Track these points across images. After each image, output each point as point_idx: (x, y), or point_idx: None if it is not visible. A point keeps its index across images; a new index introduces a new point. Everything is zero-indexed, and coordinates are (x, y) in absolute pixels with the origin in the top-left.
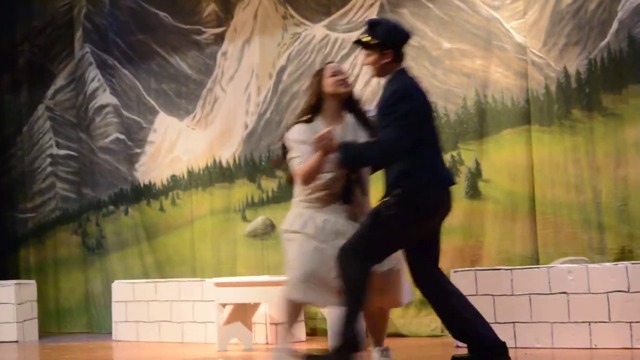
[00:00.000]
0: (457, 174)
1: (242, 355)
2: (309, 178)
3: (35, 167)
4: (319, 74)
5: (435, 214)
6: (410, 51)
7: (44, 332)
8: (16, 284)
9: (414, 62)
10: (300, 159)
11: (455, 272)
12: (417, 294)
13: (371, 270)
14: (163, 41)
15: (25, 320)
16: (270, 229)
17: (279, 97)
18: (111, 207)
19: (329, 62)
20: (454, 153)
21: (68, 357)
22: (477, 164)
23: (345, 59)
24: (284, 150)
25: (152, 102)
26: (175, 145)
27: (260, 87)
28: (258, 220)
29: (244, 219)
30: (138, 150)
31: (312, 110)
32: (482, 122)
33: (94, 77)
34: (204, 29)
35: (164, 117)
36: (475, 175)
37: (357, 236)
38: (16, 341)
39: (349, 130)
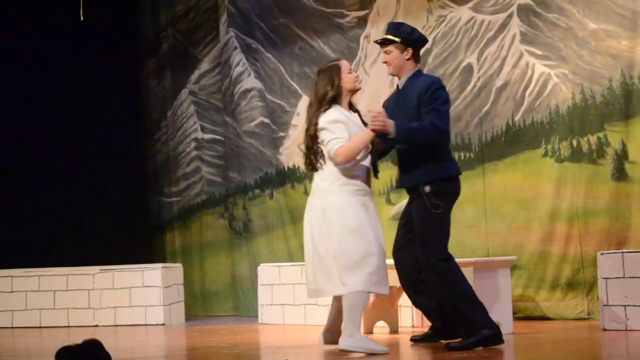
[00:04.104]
0: (604, 156)
1: (388, 338)
2: (353, 155)
3: (180, 152)
4: (336, 69)
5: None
6: (557, 32)
7: (190, 315)
8: (163, 267)
9: (562, 43)
10: (339, 138)
11: (602, 254)
12: (564, 278)
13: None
14: (305, 24)
15: (171, 304)
16: None
17: None
18: (257, 191)
19: (339, 59)
20: (600, 135)
21: (214, 340)
22: (624, 145)
23: (492, 42)
24: (313, 138)
25: (295, 85)
26: None
27: None
28: (402, 203)
29: (389, 202)
30: (282, 134)
31: (331, 103)
32: (628, 103)
33: (238, 62)
34: (346, 12)
35: (307, 101)
36: (622, 157)
37: (427, 244)
38: (163, 324)
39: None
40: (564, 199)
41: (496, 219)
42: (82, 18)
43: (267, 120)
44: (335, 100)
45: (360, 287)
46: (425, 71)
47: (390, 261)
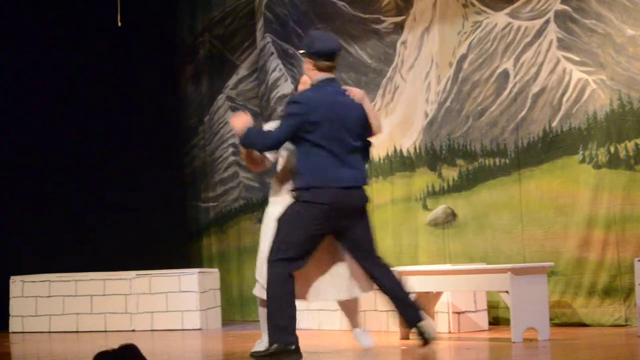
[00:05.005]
0: None
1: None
2: (246, 160)
3: (217, 157)
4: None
5: (329, 212)
6: (595, 39)
7: (228, 320)
8: (199, 272)
9: (600, 50)
10: None
11: (639, 260)
12: (601, 284)
13: (292, 271)
14: (342, 30)
15: (208, 309)
16: (451, 217)
17: (460, 86)
18: None
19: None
20: (638, 141)
21: (251, 346)
22: None
23: (529, 47)
24: None
25: None
26: None
27: (440, 75)
28: (439, 209)
29: (425, 207)
30: None
31: None
32: None
33: (275, 67)
34: (383, 18)
35: None
36: None
37: (272, 242)
38: (199, 329)
39: None
40: (601, 205)
41: (533, 225)
42: (119, 24)
43: None
44: None
45: None
46: (460, 77)
47: (427, 267)
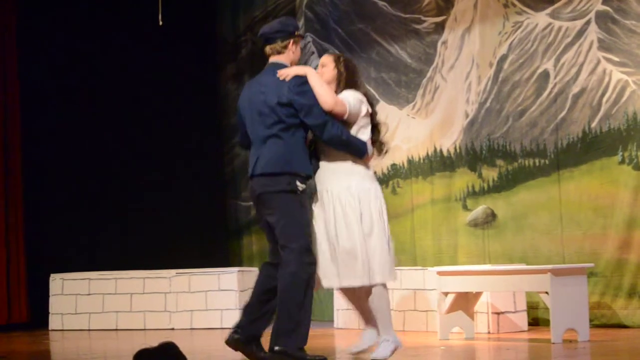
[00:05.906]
0: None
1: (463, 344)
2: None
3: None
4: None
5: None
6: (636, 39)
7: None
8: (239, 271)
9: (638, 47)
10: None
11: None
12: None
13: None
14: (382, 30)
15: None
16: (491, 218)
17: (500, 86)
18: None
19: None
20: None
21: None
22: None
23: (569, 48)
24: None
25: (373, 91)
26: (396, 134)
27: (481, 75)
28: (479, 209)
29: (465, 208)
30: None
31: None
32: None
33: (315, 67)
34: (423, 18)
35: (384, 106)
36: None
37: None
38: None
39: None
40: None
41: (572, 225)
42: (160, 23)
43: None
44: None
45: None
46: (501, 77)
47: (467, 267)
